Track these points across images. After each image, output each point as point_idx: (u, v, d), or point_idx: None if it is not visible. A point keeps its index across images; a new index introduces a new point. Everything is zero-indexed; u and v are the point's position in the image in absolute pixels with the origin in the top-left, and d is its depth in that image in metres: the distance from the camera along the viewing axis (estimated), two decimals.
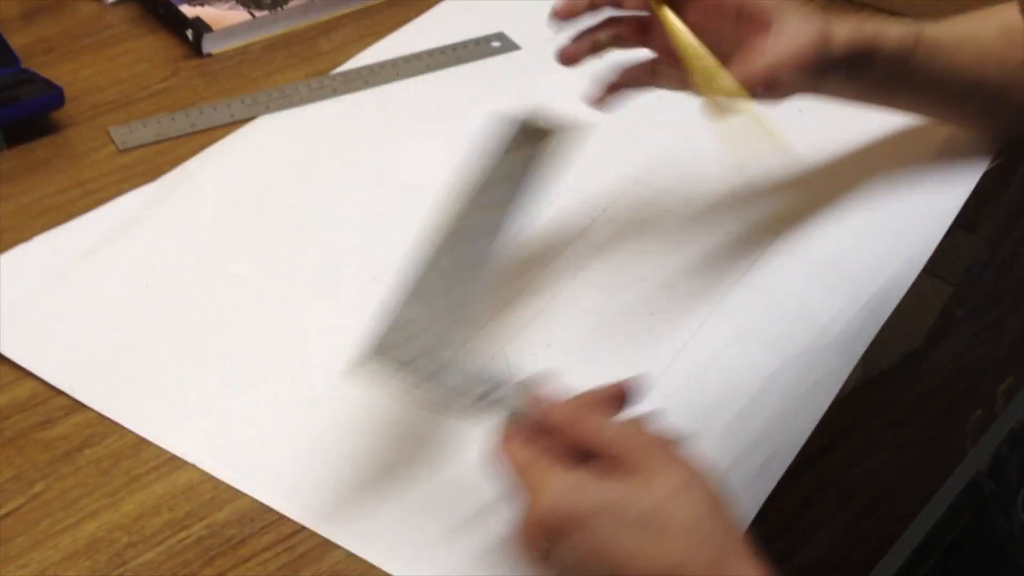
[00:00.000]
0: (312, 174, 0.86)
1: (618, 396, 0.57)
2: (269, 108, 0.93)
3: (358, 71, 0.97)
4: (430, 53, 1.00)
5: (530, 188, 0.66)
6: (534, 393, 0.56)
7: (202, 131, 0.90)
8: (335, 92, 0.95)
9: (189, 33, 0.98)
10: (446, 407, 0.56)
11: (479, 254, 0.61)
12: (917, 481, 0.75)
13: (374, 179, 0.86)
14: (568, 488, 0.51)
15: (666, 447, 0.53)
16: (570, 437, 0.54)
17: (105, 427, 0.64)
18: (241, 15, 0.99)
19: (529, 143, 0.68)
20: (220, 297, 0.74)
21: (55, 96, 0.88)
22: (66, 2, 1.05)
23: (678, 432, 0.54)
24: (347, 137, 0.90)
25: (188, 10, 0.99)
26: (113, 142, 0.88)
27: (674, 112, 0.80)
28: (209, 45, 0.98)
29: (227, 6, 1.00)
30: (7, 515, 0.60)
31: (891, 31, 0.72)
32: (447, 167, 0.82)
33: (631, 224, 0.82)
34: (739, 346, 0.71)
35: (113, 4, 1.05)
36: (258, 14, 1.00)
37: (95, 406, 0.65)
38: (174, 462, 0.63)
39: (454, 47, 1.01)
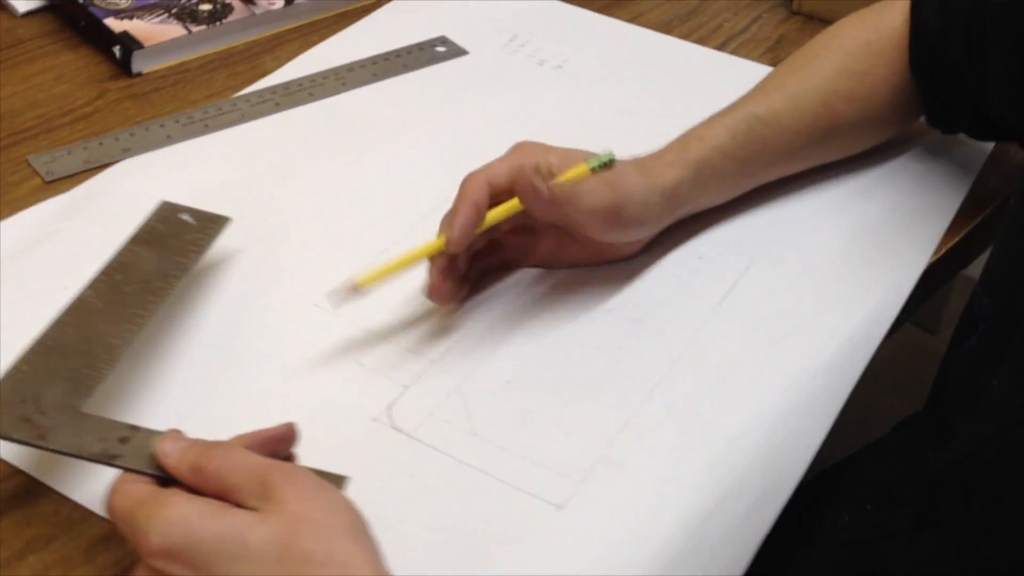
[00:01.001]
0: (252, 193, 0.77)
1: (270, 440, 0.53)
2: (209, 127, 0.82)
3: (300, 82, 0.87)
4: (374, 60, 0.91)
5: (175, 280, 0.65)
6: (163, 442, 0.51)
7: (137, 155, 0.79)
8: (278, 106, 0.85)
9: (117, 50, 0.86)
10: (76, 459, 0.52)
11: (111, 333, 0.59)
12: None
13: (323, 196, 0.78)
14: (188, 513, 0.47)
15: (307, 475, 0.50)
16: (202, 477, 0.50)
17: (50, 526, 0.54)
18: (175, 30, 0.88)
19: (183, 239, 0.68)
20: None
21: None
22: None
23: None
24: (293, 153, 0.81)
25: (114, 24, 0.87)
26: (37, 174, 0.76)
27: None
28: (140, 63, 0.86)
29: (158, 19, 0.88)
30: None
31: (717, 135, 0.73)
32: (401, 182, 0.78)
33: None
34: (719, 379, 0.65)
35: (25, 15, 0.92)
36: (195, 29, 0.88)
37: None
38: None
39: (398, 53, 0.92)
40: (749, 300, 0.71)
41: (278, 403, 0.62)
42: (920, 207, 0.79)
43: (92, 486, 0.56)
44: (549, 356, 0.66)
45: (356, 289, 0.62)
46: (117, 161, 0.79)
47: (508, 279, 0.71)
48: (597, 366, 0.66)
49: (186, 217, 0.69)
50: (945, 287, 0.83)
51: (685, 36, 0.97)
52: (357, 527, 0.49)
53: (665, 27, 0.98)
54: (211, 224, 0.69)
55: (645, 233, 0.71)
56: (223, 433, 0.52)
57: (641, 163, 0.70)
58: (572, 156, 0.68)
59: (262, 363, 0.65)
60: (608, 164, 0.67)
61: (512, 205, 0.65)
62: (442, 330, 0.67)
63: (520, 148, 0.68)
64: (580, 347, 0.67)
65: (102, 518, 0.54)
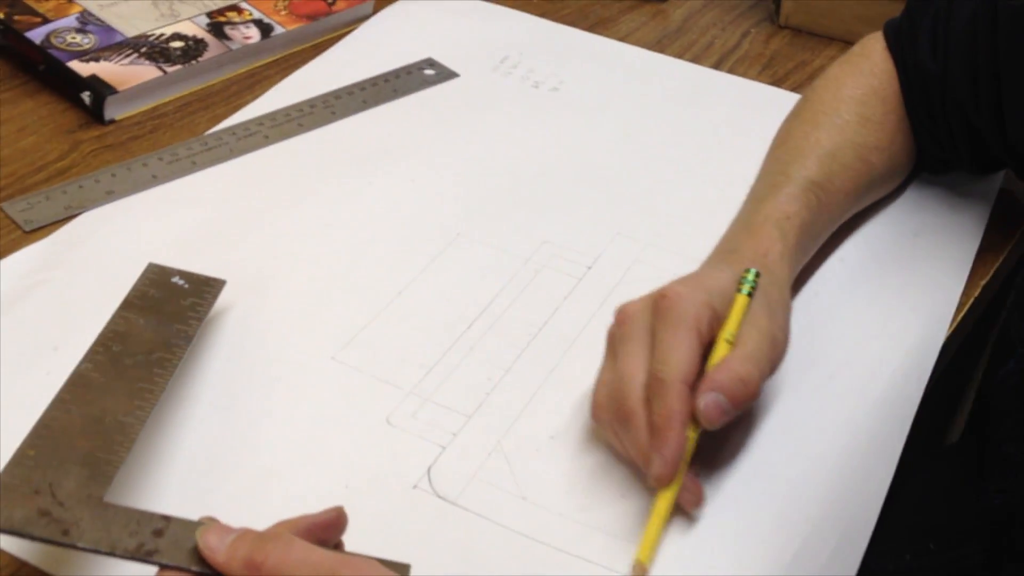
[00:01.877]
0: (246, 234, 0.72)
1: (319, 527, 0.47)
2: (196, 164, 0.77)
3: (287, 112, 0.82)
4: (363, 87, 0.86)
5: (179, 351, 0.59)
6: (207, 535, 0.46)
7: (122, 198, 0.74)
8: (268, 139, 0.80)
9: (86, 96, 0.80)
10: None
11: (120, 411, 0.54)
12: None
13: (323, 235, 0.73)
14: None
15: (377, 570, 0.45)
16: (263, 575, 0.44)
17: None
18: (148, 71, 0.82)
19: (179, 305, 0.62)
20: None
21: None
22: None
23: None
24: (287, 190, 0.76)
25: (80, 67, 0.81)
26: (16, 225, 0.71)
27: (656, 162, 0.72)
28: (113, 110, 0.80)
29: (127, 60, 0.82)
30: None
31: (799, 213, 0.67)
32: (405, 216, 0.74)
33: (623, 280, 0.71)
34: (773, 426, 0.61)
35: None
36: (169, 69, 0.83)
37: None
38: None
39: (386, 78, 0.87)
40: (793, 334, 0.67)
41: (306, 473, 0.57)
42: (945, 228, 0.76)
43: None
44: (586, 405, 0.62)
45: (645, 569, 0.53)
46: (100, 204, 0.73)
47: (538, 328, 0.67)
48: None
49: (178, 280, 0.64)
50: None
51: (679, 55, 0.94)
52: None
53: (657, 46, 0.95)
54: (206, 288, 0.64)
55: None
56: (250, 513, 0.48)
57: (769, 271, 0.62)
58: (725, 287, 0.59)
59: (281, 428, 0.59)
60: (757, 277, 0.60)
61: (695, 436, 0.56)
62: (474, 382, 0.63)
63: (681, 306, 0.56)
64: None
65: None
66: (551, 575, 0.53)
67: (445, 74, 0.89)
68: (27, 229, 0.70)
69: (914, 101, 0.75)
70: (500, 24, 0.96)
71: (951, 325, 0.69)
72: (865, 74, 0.77)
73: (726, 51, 0.95)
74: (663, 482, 0.53)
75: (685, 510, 0.55)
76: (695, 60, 0.93)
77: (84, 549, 0.46)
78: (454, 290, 0.68)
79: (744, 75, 0.92)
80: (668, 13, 1.00)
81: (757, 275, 0.59)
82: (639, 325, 0.57)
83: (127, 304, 0.61)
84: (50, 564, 0.51)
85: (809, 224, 0.68)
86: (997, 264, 0.74)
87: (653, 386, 0.54)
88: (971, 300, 0.71)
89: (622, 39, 0.95)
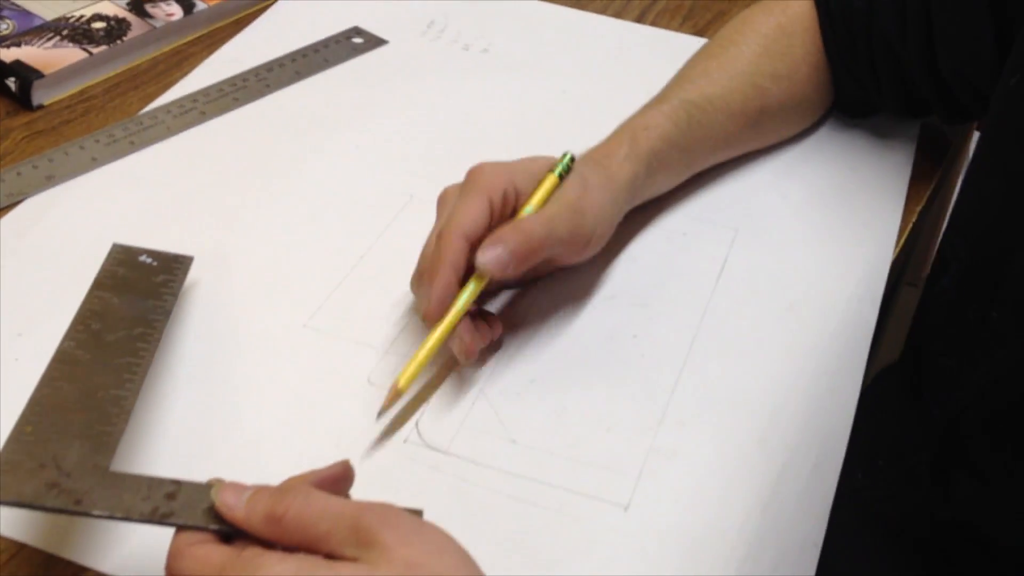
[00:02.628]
0: (197, 211, 0.71)
1: (329, 481, 0.48)
2: (134, 144, 0.76)
3: (221, 87, 0.82)
4: (293, 58, 0.86)
5: (160, 324, 0.59)
6: (223, 493, 0.46)
7: (63, 182, 0.72)
8: (204, 115, 0.79)
9: (12, 83, 0.78)
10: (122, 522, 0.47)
11: (111, 385, 0.53)
12: None
13: (273, 206, 0.73)
14: (293, 571, 0.42)
15: (401, 515, 0.45)
16: (281, 528, 0.45)
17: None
18: (74, 53, 0.80)
19: (151, 281, 0.62)
20: None
21: None
22: None
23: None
24: (231, 164, 0.76)
25: (2, 53, 0.79)
26: None
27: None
28: (41, 95, 0.78)
29: (50, 44, 0.80)
30: None
31: (660, 124, 0.71)
32: (352, 183, 0.74)
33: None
34: (741, 355, 0.64)
35: None
36: (94, 50, 0.81)
37: None
38: None
39: (316, 48, 0.87)
40: (745, 273, 0.69)
41: (296, 437, 0.57)
42: (879, 161, 0.79)
43: (117, 552, 0.51)
44: (565, 350, 0.63)
45: (400, 393, 0.56)
46: (41, 191, 0.71)
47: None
48: (616, 355, 0.63)
49: (146, 259, 0.63)
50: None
51: (600, 12, 0.95)
52: (470, 564, 0.45)
53: (578, 4, 0.96)
54: (175, 264, 0.63)
55: (607, 239, 0.67)
56: (249, 477, 0.47)
57: (599, 164, 0.67)
58: (534, 168, 0.63)
59: (266, 395, 0.59)
60: (572, 163, 0.63)
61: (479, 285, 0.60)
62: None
63: (479, 176, 0.62)
64: (593, 337, 0.64)
65: None
66: (555, 512, 0.54)
67: (374, 42, 0.89)
68: None
69: (837, 41, 0.77)
70: None
71: (895, 250, 0.72)
72: (775, 13, 0.79)
73: (645, 6, 0.96)
74: (429, 319, 0.59)
75: (458, 359, 0.60)
76: (617, 15, 0.95)
77: (99, 516, 0.45)
78: (416, 250, 0.68)
79: (666, 27, 0.93)
80: None
81: (572, 159, 0.64)
82: (448, 200, 0.63)
83: (99, 284, 0.60)
84: (50, 544, 0.51)
85: (672, 135, 0.71)
86: (929, 191, 0.77)
87: (435, 241, 0.60)
88: (909, 226, 0.74)
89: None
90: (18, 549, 0.50)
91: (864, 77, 0.78)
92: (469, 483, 0.55)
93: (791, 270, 0.69)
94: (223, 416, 0.58)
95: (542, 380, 0.61)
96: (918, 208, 0.75)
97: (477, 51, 0.89)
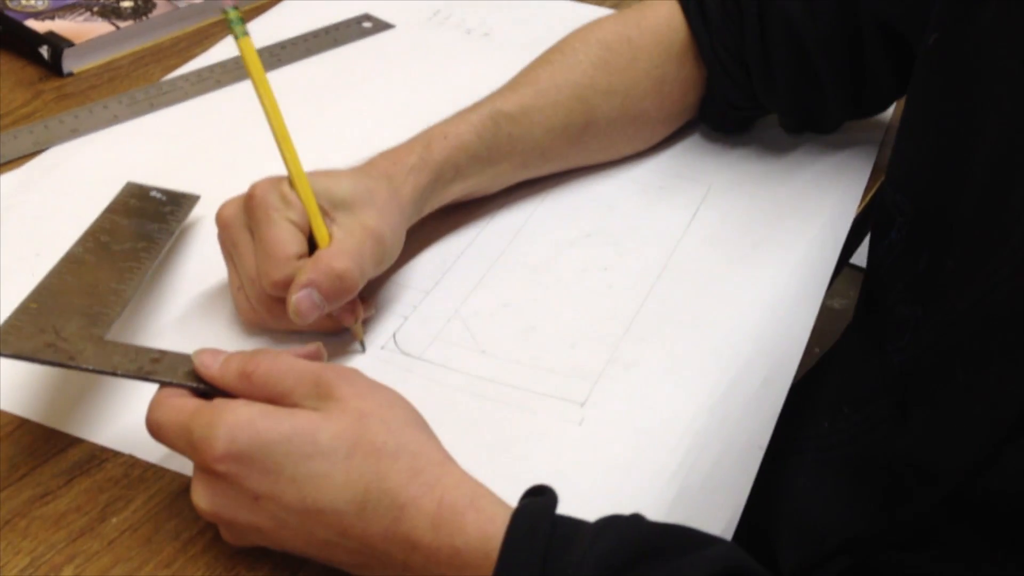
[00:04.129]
0: (206, 161, 0.77)
1: (307, 354, 0.53)
2: (153, 106, 0.82)
3: (236, 60, 0.88)
4: (305, 38, 0.92)
5: (163, 241, 0.65)
6: (202, 355, 0.51)
7: (85, 135, 0.78)
8: (219, 83, 0.86)
9: (44, 51, 0.84)
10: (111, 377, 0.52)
11: (113, 280, 0.59)
12: None
13: (272, 164, 0.75)
14: (253, 416, 0.47)
15: (359, 375, 0.51)
16: (251, 384, 0.49)
17: (124, 488, 0.52)
18: (102, 27, 0.87)
19: (158, 211, 0.67)
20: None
21: None
22: None
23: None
24: (239, 125, 0.81)
25: (36, 25, 0.86)
26: None
27: None
28: (70, 63, 0.85)
29: (81, 19, 0.87)
30: None
31: (461, 134, 0.69)
32: (346, 147, 0.75)
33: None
34: (705, 283, 0.68)
35: None
36: (122, 25, 0.87)
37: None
38: None
39: (327, 30, 0.94)
40: (715, 218, 0.74)
41: (282, 341, 0.62)
42: (847, 140, 0.82)
43: (110, 426, 0.55)
44: (539, 279, 0.68)
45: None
46: (67, 140, 0.78)
47: (483, 216, 0.73)
48: (587, 284, 0.67)
49: (156, 194, 0.69)
50: None
51: (600, 3, 1.01)
52: (418, 418, 0.50)
53: None
54: (182, 200, 0.69)
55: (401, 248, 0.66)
56: None
57: (385, 175, 0.65)
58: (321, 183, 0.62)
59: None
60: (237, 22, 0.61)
61: None
62: (430, 265, 0.68)
63: (263, 203, 0.60)
64: (566, 269, 0.68)
65: (173, 472, 0.53)
66: (516, 409, 0.58)
67: (381, 25, 0.95)
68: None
69: (718, 39, 0.75)
70: None
71: (860, 202, 0.76)
72: (628, 24, 0.77)
73: None
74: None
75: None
76: (615, 6, 1.00)
77: (88, 370, 0.50)
78: None
79: None
80: None
81: (239, 19, 0.61)
82: (238, 228, 0.60)
83: (110, 209, 0.66)
84: (48, 419, 0.56)
85: (473, 146, 0.68)
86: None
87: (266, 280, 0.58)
88: (878, 184, 0.78)
89: None
90: (20, 423, 0.55)
91: (752, 79, 0.76)
92: (438, 383, 0.60)
93: (758, 217, 0.74)
94: (212, 319, 0.63)
95: (515, 304, 0.66)
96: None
97: (479, 35, 0.94)
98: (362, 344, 0.61)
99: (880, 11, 0.72)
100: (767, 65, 0.75)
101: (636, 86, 0.76)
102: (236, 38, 0.60)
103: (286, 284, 0.57)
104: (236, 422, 0.46)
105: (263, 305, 0.59)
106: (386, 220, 0.62)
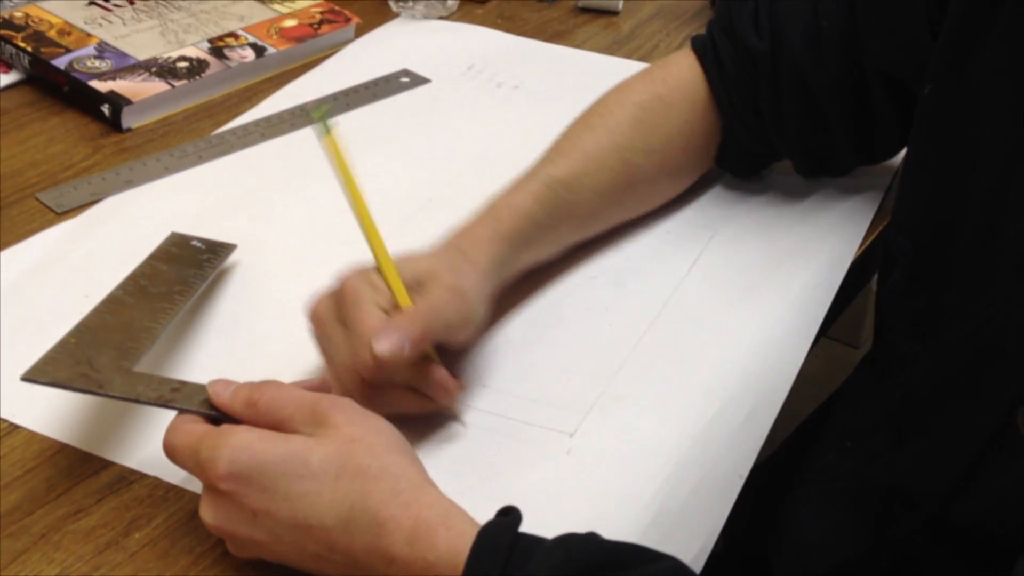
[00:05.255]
0: (246, 209, 0.83)
1: (313, 387, 0.59)
2: (202, 158, 0.89)
3: (280, 115, 0.95)
4: (346, 93, 0.98)
5: (197, 284, 0.71)
6: (215, 384, 0.57)
7: (139, 186, 0.85)
8: (263, 136, 0.92)
9: (105, 108, 0.92)
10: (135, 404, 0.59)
11: (147, 320, 0.66)
12: None
13: (308, 209, 0.84)
14: (252, 440, 0.53)
15: (352, 404, 0.56)
16: (256, 411, 0.55)
17: (146, 507, 0.58)
18: (158, 86, 0.94)
19: (197, 259, 0.74)
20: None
21: None
22: None
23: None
24: (279, 175, 0.88)
25: (99, 85, 0.93)
26: (48, 208, 0.82)
27: None
28: (129, 119, 0.92)
29: (140, 79, 0.95)
30: None
31: (524, 203, 0.72)
32: (379, 194, 0.75)
33: None
34: (700, 323, 0.72)
35: (3, 89, 0.97)
36: (177, 84, 0.95)
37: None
38: None
39: (366, 86, 1.00)
40: (717, 262, 0.78)
41: (300, 373, 0.67)
42: (854, 189, 0.85)
43: (138, 452, 0.61)
44: (543, 318, 0.72)
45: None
46: (121, 191, 0.85)
47: None
48: (588, 323, 0.72)
49: (196, 243, 0.75)
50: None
51: (627, 57, 1.06)
52: (402, 444, 0.55)
53: (607, 51, 1.07)
54: (220, 248, 0.75)
55: (487, 325, 0.71)
56: None
57: (460, 251, 0.69)
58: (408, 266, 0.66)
59: (276, 346, 0.70)
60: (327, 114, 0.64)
61: None
62: None
63: (354, 292, 0.63)
64: (570, 310, 0.73)
65: (192, 493, 0.59)
66: (510, 439, 0.63)
67: (418, 80, 1.01)
68: (59, 211, 0.82)
69: (733, 91, 0.80)
70: (468, 39, 1.08)
71: (860, 245, 0.79)
72: (656, 82, 0.82)
73: (670, 51, 1.06)
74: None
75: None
76: (642, 60, 1.05)
77: (114, 397, 0.57)
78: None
79: None
80: (619, 24, 1.12)
81: (324, 112, 0.64)
82: (331, 323, 0.64)
83: (153, 256, 0.73)
84: (85, 444, 0.62)
85: (536, 215, 0.72)
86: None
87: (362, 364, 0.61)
88: (880, 227, 0.81)
89: (578, 47, 1.07)
90: (60, 447, 0.62)
91: (765, 127, 0.80)
92: (441, 414, 0.64)
93: (758, 261, 0.78)
94: (238, 358, 0.69)
95: (517, 341, 0.70)
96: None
97: (508, 88, 1.00)
98: (457, 415, 0.64)
99: (882, 61, 0.76)
100: (779, 112, 0.80)
101: (670, 142, 0.81)
102: (321, 136, 0.64)
103: (379, 365, 0.60)
104: (238, 445, 0.52)
105: (360, 393, 0.62)
106: (466, 281, 0.66)
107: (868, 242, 0.80)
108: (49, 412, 0.63)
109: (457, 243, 0.70)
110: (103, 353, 0.60)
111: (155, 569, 0.55)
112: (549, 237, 0.75)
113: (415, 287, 0.64)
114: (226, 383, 0.56)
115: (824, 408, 0.86)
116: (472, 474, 0.60)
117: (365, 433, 0.53)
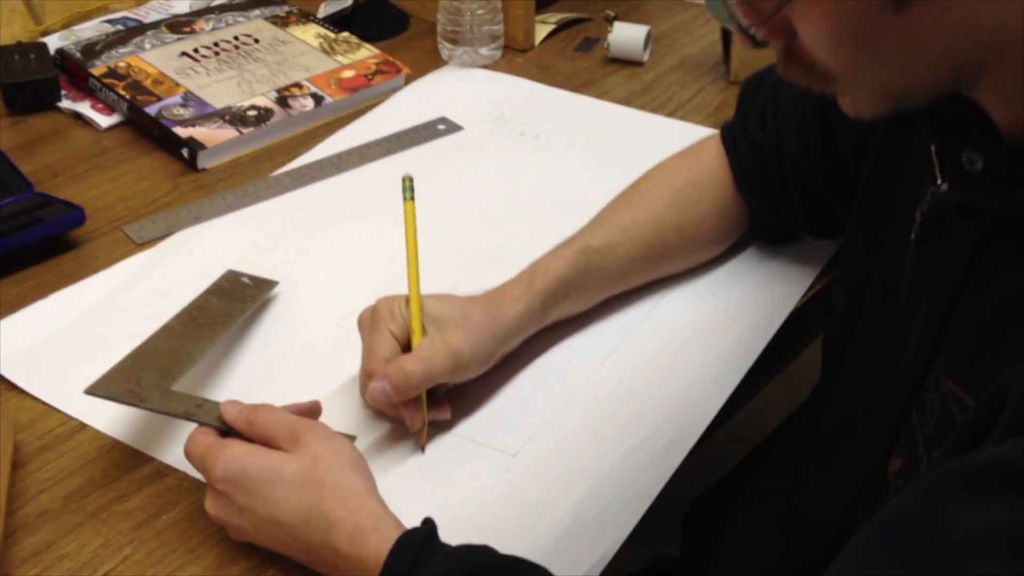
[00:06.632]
0: (292, 244, 0.99)
1: (300, 410, 0.74)
2: (259, 197, 1.06)
3: (329, 160, 1.11)
4: (388, 139, 1.14)
5: (237, 316, 0.87)
6: (226, 404, 0.73)
7: (205, 221, 1.02)
8: (313, 179, 1.08)
9: (184, 151, 1.10)
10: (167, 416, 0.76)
11: (190, 347, 0.82)
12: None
13: (349, 246, 0.99)
14: (241, 452, 0.69)
15: (324, 428, 0.72)
16: (251, 428, 0.70)
17: (174, 495, 0.75)
18: (229, 132, 1.11)
19: (243, 294, 0.90)
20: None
21: (77, 215, 0.99)
22: (64, 130, 1.16)
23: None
24: (325, 214, 1.03)
25: (181, 131, 1.11)
26: (131, 240, 1.00)
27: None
28: (204, 161, 1.10)
29: (215, 126, 1.12)
30: (104, 575, 0.70)
31: (559, 268, 0.85)
32: (397, 234, 0.87)
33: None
34: (639, 370, 0.84)
35: (108, 129, 1.16)
36: (245, 130, 1.12)
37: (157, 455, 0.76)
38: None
39: (407, 132, 1.15)
40: (669, 309, 0.91)
41: (309, 390, 0.82)
42: (800, 253, 0.97)
43: (174, 450, 0.78)
44: (517, 352, 0.85)
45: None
46: (190, 226, 1.02)
47: None
48: (549, 360, 0.86)
49: (246, 280, 0.92)
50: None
51: (642, 107, 1.19)
52: (359, 464, 0.70)
53: (626, 101, 1.20)
54: (264, 284, 0.92)
55: (493, 363, 0.82)
56: None
57: (492, 302, 0.82)
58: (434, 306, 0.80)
59: (304, 373, 0.86)
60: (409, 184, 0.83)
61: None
62: None
63: (377, 315, 0.80)
64: (538, 349, 0.87)
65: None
66: (454, 451, 0.78)
67: (453, 128, 1.16)
68: (138, 243, 1.00)
69: (748, 180, 0.92)
70: (503, 88, 1.23)
71: (800, 297, 0.91)
72: (691, 166, 0.95)
73: (681, 103, 1.19)
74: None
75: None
76: (654, 111, 1.18)
77: (149, 409, 0.74)
78: (438, 286, 0.92)
79: (691, 121, 1.16)
80: (642, 75, 1.25)
81: (409, 182, 0.83)
82: (365, 330, 0.80)
83: (207, 291, 0.90)
84: (134, 441, 0.79)
85: (568, 277, 0.86)
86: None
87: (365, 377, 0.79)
88: (826, 280, 0.93)
89: (600, 96, 1.21)
90: (115, 443, 0.79)
91: (778, 207, 0.92)
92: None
93: (706, 309, 0.91)
94: (269, 380, 0.85)
95: (485, 384, 0.84)
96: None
97: (530, 137, 1.14)
98: (422, 448, 0.78)
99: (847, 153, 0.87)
100: (786, 197, 0.91)
101: (702, 222, 0.93)
102: (404, 200, 0.83)
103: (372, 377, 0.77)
104: (231, 455, 0.68)
105: (364, 388, 0.79)
106: (469, 340, 0.79)
107: (813, 292, 0.92)
108: (109, 415, 0.81)
109: (490, 297, 0.84)
110: (150, 373, 0.77)
111: (175, 544, 0.72)
112: (579, 295, 0.88)
113: (428, 326, 0.79)
114: (234, 404, 0.72)
115: (777, 431, 0.98)
116: (427, 483, 0.76)
117: (328, 452, 0.69)
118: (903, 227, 0.73)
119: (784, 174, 0.91)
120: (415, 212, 0.83)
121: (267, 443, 0.70)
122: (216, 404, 0.74)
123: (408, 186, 0.83)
